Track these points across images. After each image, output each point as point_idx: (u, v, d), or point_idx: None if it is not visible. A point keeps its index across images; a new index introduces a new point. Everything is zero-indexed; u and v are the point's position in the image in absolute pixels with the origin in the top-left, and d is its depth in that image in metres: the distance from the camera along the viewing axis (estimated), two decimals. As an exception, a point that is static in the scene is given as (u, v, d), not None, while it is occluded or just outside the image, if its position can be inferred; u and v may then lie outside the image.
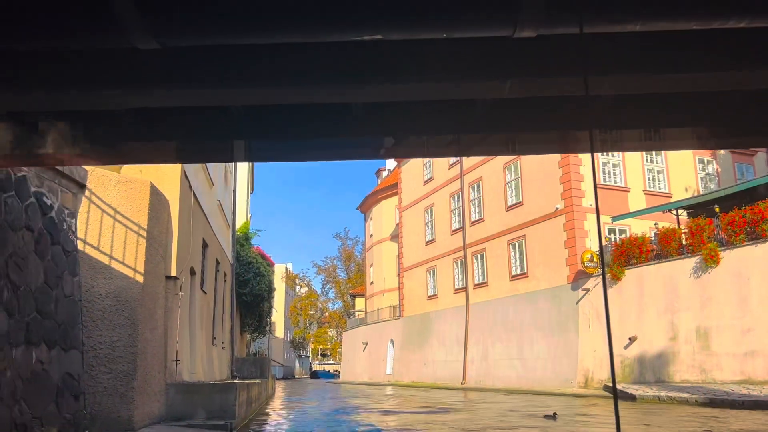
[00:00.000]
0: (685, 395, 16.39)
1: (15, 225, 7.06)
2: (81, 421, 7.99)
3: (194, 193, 12.63)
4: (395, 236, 44.72)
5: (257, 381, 16.31)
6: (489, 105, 4.58)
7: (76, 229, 8.64)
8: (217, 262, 17.60)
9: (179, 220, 10.93)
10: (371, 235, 51.57)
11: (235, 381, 13.81)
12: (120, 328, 8.66)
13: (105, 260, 8.82)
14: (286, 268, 72.16)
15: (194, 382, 11.90)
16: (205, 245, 14.87)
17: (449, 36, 3.34)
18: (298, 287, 76.18)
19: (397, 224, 43.69)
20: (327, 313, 73.58)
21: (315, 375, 71.50)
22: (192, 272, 13.16)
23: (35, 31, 3.00)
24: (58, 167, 7.96)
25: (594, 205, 25.59)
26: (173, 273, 10.63)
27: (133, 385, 8.59)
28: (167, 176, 10.55)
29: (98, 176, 9.00)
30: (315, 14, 3.15)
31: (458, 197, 34.58)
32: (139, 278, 9.01)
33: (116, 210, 9.03)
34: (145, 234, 9.21)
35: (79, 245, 8.64)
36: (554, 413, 12.72)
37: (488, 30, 3.26)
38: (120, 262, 8.90)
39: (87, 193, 8.86)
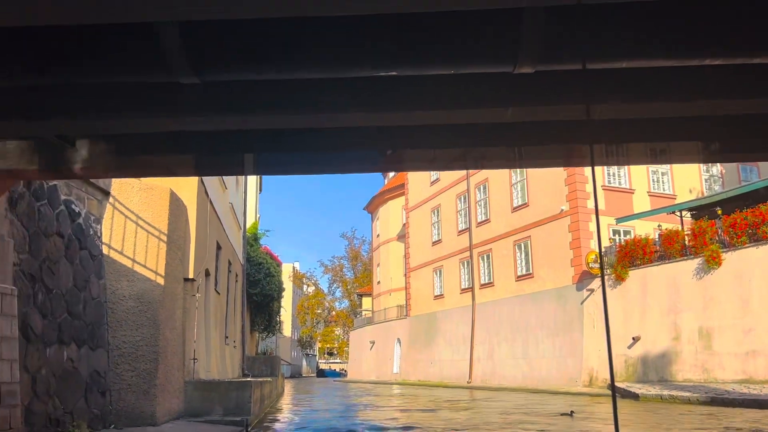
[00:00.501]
0: (687, 394, 16.74)
1: (47, 231, 7.53)
2: (107, 416, 8.46)
3: (209, 198, 13.09)
4: (402, 236, 45.13)
5: (269, 379, 16.76)
6: (494, 122, 4.99)
7: (101, 234, 9.11)
8: (229, 263, 18.07)
9: (196, 224, 11.38)
10: (378, 235, 51.98)
11: (250, 379, 14.27)
12: (143, 328, 9.11)
13: (128, 264, 9.28)
14: (294, 268, 72.67)
15: (210, 380, 12.36)
16: (218, 247, 15.33)
17: (457, 72, 3.77)
18: (305, 286, 76.69)
19: (404, 224, 44.09)
20: (334, 312, 74.02)
21: (322, 374, 71.95)
22: (207, 274, 13.62)
23: (100, 69, 3.45)
24: (85, 176, 8.42)
25: (600, 207, 25.95)
26: (191, 275, 11.09)
27: (155, 382, 9.04)
28: (185, 182, 10.99)
29: (121, 183, 9.45)
30: (338, 53, 3.58)
31: (464, 198, 34.95)
32: (160, 281, 9.45)
33: (138, 216, 9.48)
34: (165, 238, 9.65)
35: (104, 249, 9.10)
36: (571, 411, 13.09)
37: (491, 67, 3.68)
38: (142, 266, 9.35)
39: (111, 200, 9.32)
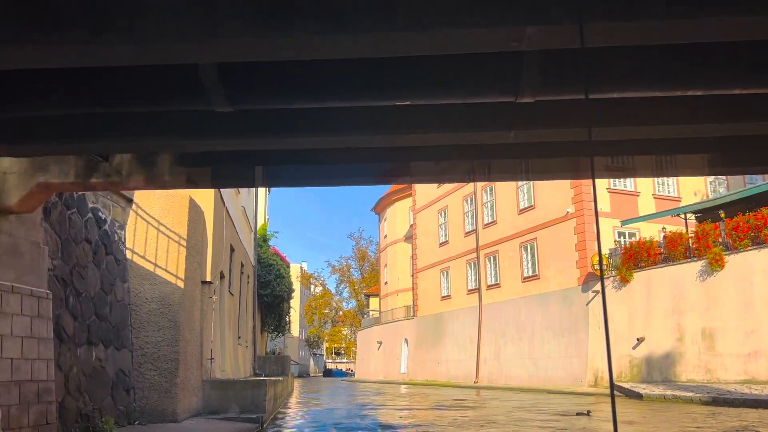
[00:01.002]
0: (690, 394, 17.06)
1: (77, 238, 7.98)
2: (132, 413, 8.90)
3: (224, 203, 13.54)
4: (409, 237, 45.49)
5: (281, 378, 17.20)
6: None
7: (125, 239, 9.56)
8: (242, 265, 18.52)
9: (213, 229, 11.83)
10: (385, 236, 52.35)
11: (264, 378, 14.70)
12: (164, 330, 9.56)
13: (150, 267, 9.73)
14: (301, 268, 73.09)
15: (226, 379, 12.81)
16: (232, 250, 15.78)
17: (463, 101, 4.18)
18: (312, 286, 77.15)
19: (411, 226, 44.45)
20: (341, 312, 74.42)
21: (329, 373, 72.24)
22: (221, 276, 14.06)
23: (148, 101, 3.88)
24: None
25: (603, 209, 26.01)
26: (208, 278, 11.53)
27: (176, 381, 9.48)
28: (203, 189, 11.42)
29: (143, 191, 9.87)
30: (358, 86, 3.99)
31: (471, 200, 35.30)
32: (180, 284, 9.90)
33: (160, 222, 9.92)
34: (185, 243, 10.10)
35: (128, 254, 9.55)
36: (588, 411, 13.46)
37: (494, 97, 4.08)
38: (163, 269, 9.80)
39: (134, 207, 9.77)
